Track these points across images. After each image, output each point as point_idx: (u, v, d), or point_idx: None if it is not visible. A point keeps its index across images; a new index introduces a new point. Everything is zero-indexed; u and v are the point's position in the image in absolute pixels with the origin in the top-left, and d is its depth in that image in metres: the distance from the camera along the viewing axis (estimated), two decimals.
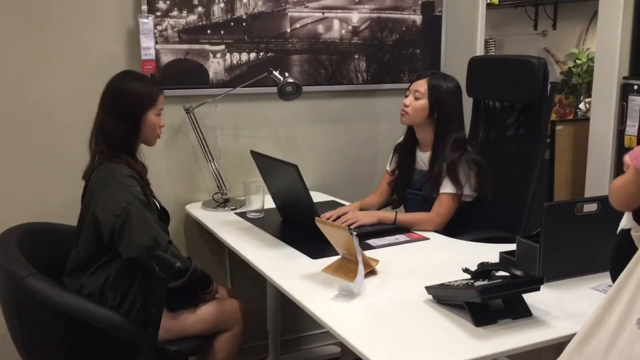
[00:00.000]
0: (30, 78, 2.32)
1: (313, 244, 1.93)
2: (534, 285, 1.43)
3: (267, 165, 2.24)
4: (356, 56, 2.84)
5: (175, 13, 2.47)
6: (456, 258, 1.86)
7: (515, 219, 2.31)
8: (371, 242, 2.04)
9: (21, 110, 2.33)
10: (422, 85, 2.24)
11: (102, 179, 1.88)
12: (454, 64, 2.82)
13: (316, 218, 1.77)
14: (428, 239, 2.09)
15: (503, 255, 1.77)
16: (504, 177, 2.35)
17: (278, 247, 2.05)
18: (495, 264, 1.60)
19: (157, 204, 2.05)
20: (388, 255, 1.92)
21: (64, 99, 2.38)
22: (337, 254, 1.81)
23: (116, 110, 1.93)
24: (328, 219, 2.16)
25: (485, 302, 1.41)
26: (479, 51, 3.16)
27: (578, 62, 4.24)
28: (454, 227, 2.21)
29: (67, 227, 2.11)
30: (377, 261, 1.79)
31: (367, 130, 2.96)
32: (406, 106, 2.26)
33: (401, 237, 2.10)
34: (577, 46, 4.44)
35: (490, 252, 1.83)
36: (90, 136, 1.98)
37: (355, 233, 1.69)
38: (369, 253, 1.87)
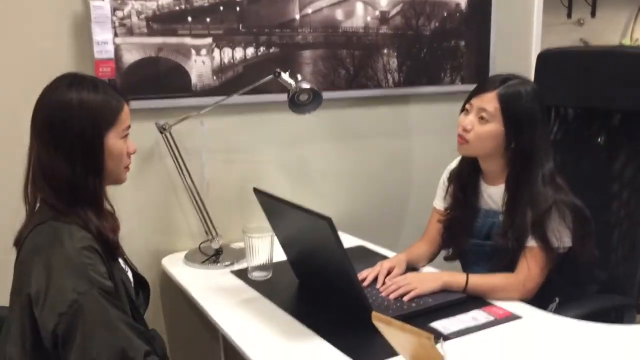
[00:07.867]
0: None
1: (353, 332, 1.38)
2: None
3: (279, 211, 1.60)
4: (385, 51, 2.33)
5: None
6: (568, 348, 1.34)
7: (627, 275, 1.72)
8: (439, 326, 1.41)
9: None
10: (490, 102, 1.58)
11: (40, 247, 1.23)
12: (506, 59, 2.40)
13: (378, 315, 1.12)
14: (520, 317, 1.47)
15: None
16: (602, 218, 1.75)
17: (299, 337, 1.41)
18: None
19: (131, 271, 1.44)
20: (466, 347, 1.32)
21: None
22: (394, 353, 1.19)
23: (57, 139, 1.26)
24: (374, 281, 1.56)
25: None
26: (535, 43, 2.60)
27: None
28: (542, 290, 1.60)
29: None
30: None
31: (400, 149, 2.49)
32: (466, 131, 1.61)
33: (480, 316, 1.47)
34: (624, 36, 4.00)
35: (614, 335, 1.30)
36: (25, 181, 1.32)
37: (442, 343, 1.04)
38: (439, 346, 1.21)
